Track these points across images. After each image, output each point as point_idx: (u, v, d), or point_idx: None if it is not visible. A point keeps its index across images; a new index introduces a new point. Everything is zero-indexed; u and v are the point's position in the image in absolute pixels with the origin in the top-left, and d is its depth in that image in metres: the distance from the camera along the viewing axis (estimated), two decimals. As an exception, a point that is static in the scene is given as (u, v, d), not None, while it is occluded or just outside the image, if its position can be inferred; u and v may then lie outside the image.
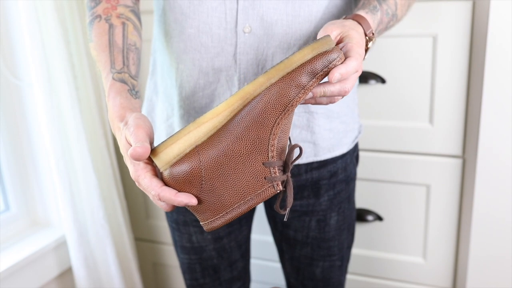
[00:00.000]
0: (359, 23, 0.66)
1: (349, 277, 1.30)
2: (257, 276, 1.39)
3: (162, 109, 0.85)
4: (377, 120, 1.16)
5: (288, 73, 0.56)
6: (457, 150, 1.11)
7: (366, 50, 0.67)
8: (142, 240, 1.52)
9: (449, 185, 1.13)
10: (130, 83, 0.67)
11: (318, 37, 0.62)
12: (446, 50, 1.06)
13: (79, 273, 1.27)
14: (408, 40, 1.08)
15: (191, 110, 0.79)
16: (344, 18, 0.68)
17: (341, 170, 0.86)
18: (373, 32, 0.67)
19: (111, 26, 0.70)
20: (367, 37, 0.66)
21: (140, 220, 1.50)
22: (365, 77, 1.12)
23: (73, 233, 1.24)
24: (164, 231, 1.47)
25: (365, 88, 1.15)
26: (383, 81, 1.12)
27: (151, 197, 0.60)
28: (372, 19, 0.69)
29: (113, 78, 0.66)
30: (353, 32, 0.63)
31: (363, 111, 1.16)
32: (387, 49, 1.10)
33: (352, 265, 1.29)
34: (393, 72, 1.12)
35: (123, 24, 0.71)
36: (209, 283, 0.93)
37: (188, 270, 0.94)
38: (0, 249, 1.21)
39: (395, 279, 1.26)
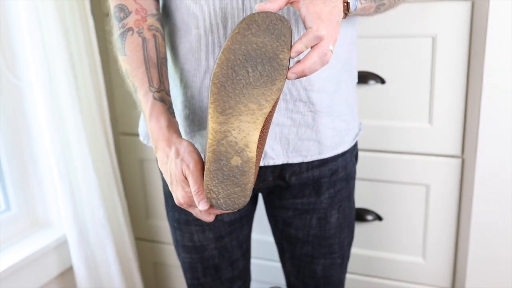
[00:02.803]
0: None
1: (348, 276, 1.30)
2: (257, 276, 1.40)
3: None
4: (376, 120, 1.16)
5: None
6: (456, 150, 1.11)
7: (347, 4, 0.65)
8: (142, 239, 1.53)
9: (448, 185, 1.14)
10: (168, 102, 0.71)
11: None
12: (445, 50, 1.06)
13: (80, 273, 1.28)
14: (407, 40, 1.09)
15: (197, 109, 0.79)
16: None
17: (341, 169, 0.86)
18: None
19: (144, 40, 0.72)
20: None
21: (140, 220, 1.50)
22: (365, 77, 1.13)
23: (74, 233, 1.24)
24: (164, 231, 1.47)
25: (364, 88, 1.15)
26: (382, 81, 1.12)
27: (195, 213, 0.69)
28: None
29: (154, 98, 0.70)
30: None
31: (363, 111, 1.17)
32: (387, 49, 1.11)
33: (351, 265, 1.29)
34: (393, 72, 1.12)
35: (154, 36, 0.73)
36: (210, 282, 0.94)
37: (189, 270, 0.94)
38: (1, 249, 1.21)
39: (395, 279, 1.26)
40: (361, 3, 0.69)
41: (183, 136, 0.82)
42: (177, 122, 0.72)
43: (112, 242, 1.30)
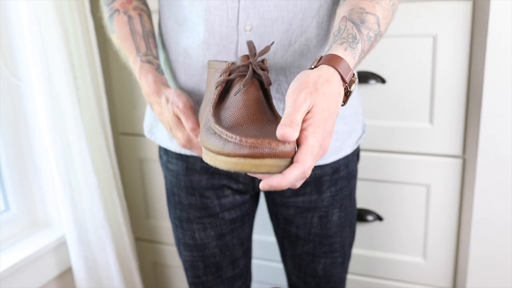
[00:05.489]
0: (336, 69, 0.58)
1: (349, 277, 1.30)
2: (257, 276, 1.39)
3: None
4: (377, 120, 1.16)
5: None
6: (457, 150, 1.11)
7: (349, 93, 0.60)
8: (142, 240, 1.52)
9: (449, 185, 1.13)
10: (156, 63, 0.78)
11: (287, 104, 0.54)
12: (446, 50, 1.06)
13: (79, 273, 1.27)
14: (408, 40, 1.08)
15: (194, 103, 0.80)
16: (319, 60, 0.59)
17: (343, 167, 0.86)
18: (354, 73, 0.60)
19: (129, 17, 0.80)
20: (346, 84, 0.59)
21: (140, 220, 1.50)
22: (365, 77, 1.13)
23: (73, 233, 1.24)
24: (164, 231, 1.47)
25: (365, 88, 1.15)
26: (383, 81, 1.12)
27: (197, 153, 0.74)
28: (352, 55, 0.61)
29: (141, 61, 0.77)
30: (319, 107, 0.54)
31: (364, 111, 1.16)
32: (387, 49, 1.11)
33: (352, 265, 1.29)
34: (393, 72, 1.12)
35: (140, 15, 0.81)
36: (212, 281, 0.93)
37: (190, 268, 0.94)
38: (0, 249, 1.21)
39: (395, 279, 1.26)
40: (359, 63, 0.64)
41: None
42: (165, 78, 0.77)
43: (112, 243, 1.29)
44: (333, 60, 0.58)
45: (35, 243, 1.25)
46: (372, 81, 1.13)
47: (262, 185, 0.50)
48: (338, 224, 0.89)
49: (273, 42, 0.65)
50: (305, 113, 0.53)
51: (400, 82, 1.12)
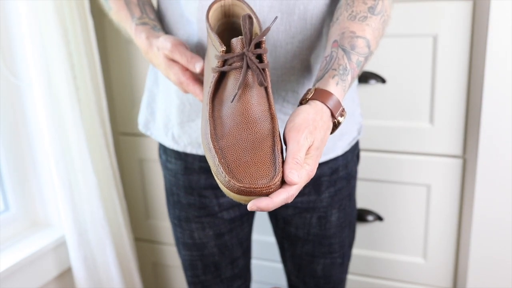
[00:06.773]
0: (328, 107, 0.61)
1: (349, 277, 1.30)
2: (257, 276, 1.39)
3: (162, 100, 0.86)
4: (377, 120, 1.16)
5: None
6: (458, 150, 1.11)
7: (338, 125, 0.63)
8: (142, 240, 1.52)
9: (450, 185, 1.13)
10: (151, 23, 0.77)
11: (287, 141, 0.57)
12: (447, 50, 1.06)
13: (79, 274, 1.27)
14: (408, 40, 1.08)
15: (186, 101, 0.81)
16: (313, 93, 0.62)
17: (342, 167, 0.86)
18: (344, 108, 0.63)
19: None
20: (335, 120, 0.62)
21: (140, 220, 1.50)
22: (365, 77, 1.12)
23: (73, 234, 1.24)
24: (164, 231, 1.47)
25: (365, 88, 1.15)
26: (383, 81, 1.12)
27: (194, 93, 0.71)
28: (343, 88, 0.63)
29: (136, 24, 0.76)
30: (315, 145, 0.58)
31: (364, 111, 1.16)
32: (387, 49, 1.10)
33: (352, 265, 1.29)
34: (393, 72, 1.12)
35: None
36: (210, 280, 0.93)
37: (189, 267, 0.94)
38: (0, 249, 1.21)
39: (395, 279, 1.26)
40: (348, 90, 0.66)
41: (176, 125, 0.83)
42: (162, 34, 0.75)
43: (112, 243, 1.29)
44: (325, 97, 0.61)
45: (35, 243, 1.25)
46: (372, 81, 1.12)
47: (250, 206, 0.53)
48: (337, 225, 0.89)
49: (276, 18, 0.61)
50: (306, 150, 0.57)
51: (400, 82, 1.12)
